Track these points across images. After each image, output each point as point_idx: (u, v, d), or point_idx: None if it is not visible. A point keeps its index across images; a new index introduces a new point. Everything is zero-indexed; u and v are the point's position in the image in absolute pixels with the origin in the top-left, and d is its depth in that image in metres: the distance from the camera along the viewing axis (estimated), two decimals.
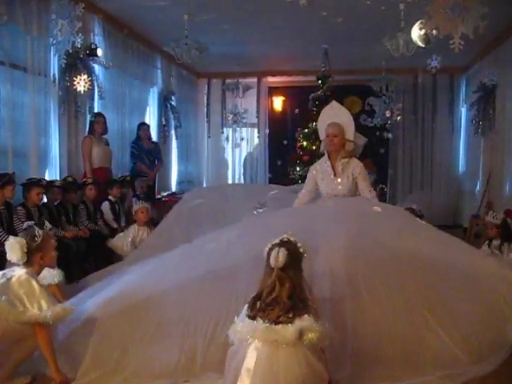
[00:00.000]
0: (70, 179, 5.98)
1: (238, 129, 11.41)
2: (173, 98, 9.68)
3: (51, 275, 3.90)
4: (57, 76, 6.10)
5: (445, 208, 10.35)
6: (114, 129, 7.42)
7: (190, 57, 6.98)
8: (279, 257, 2.51)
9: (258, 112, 11.37)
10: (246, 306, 2.59)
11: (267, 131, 11.37)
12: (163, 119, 9.45)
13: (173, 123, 9.77)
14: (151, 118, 9.16)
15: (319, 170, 4.64)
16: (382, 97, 9.95)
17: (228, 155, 11.96)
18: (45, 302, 2.87)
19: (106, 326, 3.20)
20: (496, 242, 5.39)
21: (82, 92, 6.18)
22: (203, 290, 3.29)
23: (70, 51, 5.86)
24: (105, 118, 6.79)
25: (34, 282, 2.91)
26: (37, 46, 5.68)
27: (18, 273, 2.94)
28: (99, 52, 6.55)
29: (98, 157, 6.67)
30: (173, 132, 9.89)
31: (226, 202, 5.53)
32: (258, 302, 2.55)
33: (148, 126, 8.30)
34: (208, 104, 11.59)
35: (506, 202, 7.19)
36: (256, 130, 11.56)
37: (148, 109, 9.06)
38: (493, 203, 7.88)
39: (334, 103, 4.88)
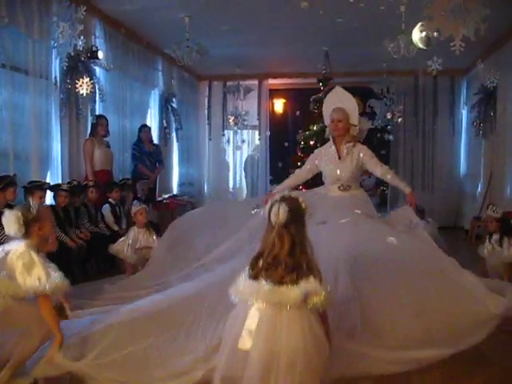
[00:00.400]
0: (75, 183, 6.00)
1: (239, 131, 11.43)
2: (174, 100, 9.69)
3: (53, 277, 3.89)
4: (58, 78, 6.12)
5: (446, 210, 10.35)
6: (115, 131, 7.42)
7: (191, 59, 6.99)
8: (280, 213, 2.42)
9: (259, 114, 11.39)
10: (248, 267, 2.52)
11: (268, 133, 11.37)
12: (164, 121, 9.46)
13: (174, 125, 9.79)
14: (152, 120, 9.17)
15: (323, 154, 4.72)
16: (382, 99, 9.97)
17: (229, 157, 11.97)
18: (43, 274, 2.86)
19: (120, 329, 3.29)
20: (496, 236, 5.39)
21: (85, 95, 6.19)
22: (207, 298, 3.38)
23: (72, 54, 5.87)
24: (107, 120, 6.81)
25: (32, 254, 2.90)
26: (38, 48, 5.69)
27: (16, 246, 2.92)
28: (100, 54, 6.57)
29: (99, 159, 6.68)
30: (174, 134, 9.90)
31: (226, 208, 5.60)
32: (260, 261, 2.47)
33: (149, 129, 8.31)
34: (209, 106, 11.60)
35: (507, 204, 7.18)
36: (257, 132, 11.57)
37: (149, 111, 9.07)
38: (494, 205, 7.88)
39: (337, 88, 4.92)
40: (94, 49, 6.48)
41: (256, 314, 2.39)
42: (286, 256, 2.42)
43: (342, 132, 4.58)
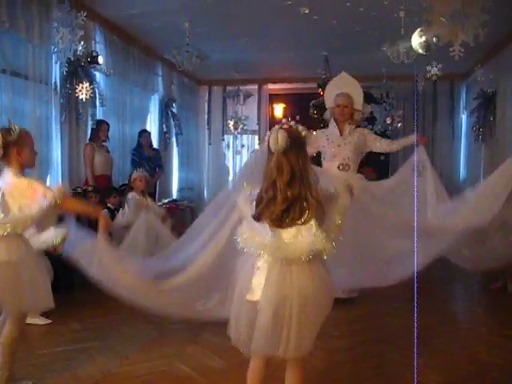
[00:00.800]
0: (79, 190, 6.02)
1: (239, 136, 11.43)
2: (174, 105, 9.70)
3: (52, 235, 3.87)
4: (58, 84, 6.13)
5: None
6: (115, 136, 7.43)
7: (190, 64, 7.00)
8: (278, 139, 2.35)
9: (258, 119, 11.39)
10: (254, 203, 2.43)
11: None
12: (164, 126, 9.47)
13: (174, 130, 9.79)
14: (152, 125, 9.18)
15: (325, 133, 4.84)
16: (382, 104, 9.97)
17: (229, 162, 11.97)
18: (43, 186, 2.90)
19: None
20: None
21: (84, 100, 6.19)
22: None
23: (72, 59, 5.88)
24: (108, 125, 6.82)
25: (22, 179, 2.90)
26: (38, 53, 5.70)
27: (6, 181, 2.90)
28: (100, 59, 6.57)
29: (99, 164, 6.68)
30: (174, 139, 9.91)
31: None
32: (264, 199, 2.38)
33: (149, 133, 8.31)
34: (209, 111, 11.62)
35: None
36: (257, 137, 11.57)
37: (149, 116, 9.08)
38: None
39: (343, 74, 5.04)
40: (94, 54, 6.48)
41: (264, 266, 2.37)
42: (285, 187, 2.34)
43: (347, 117, 4.79)
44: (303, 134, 2.44)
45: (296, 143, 2.40)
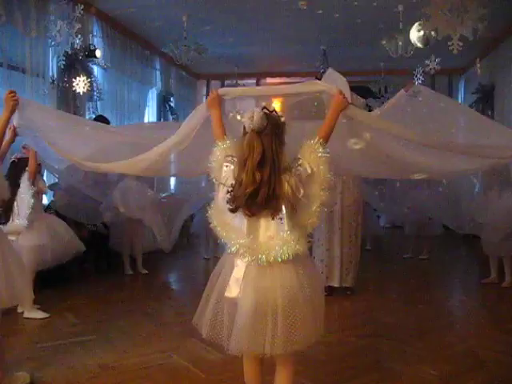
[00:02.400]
0: None
1: None
2: (172, 99, 9.69)
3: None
4: (55, 77, 6.10)
5: (443, 209, 10.32)
6: None
7: (188, 58, 6.99)
8: (254, 116, 2.23)
9: None
10: (226, 192, 2.31)
11: None
12: (162, 120, 9.45)
13: None
14: (150, 118, 9.17)
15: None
16: (380, 98, 9.96)
17: None
18: None
19: None
20: None
21: (81, 93, 6.18)
22: None
23: (69, 52, 5.86)
24: (108, 121, 6.80)
25: None
26: (35, 47, 5.68)
27: None
28: (98, 53, 6.56)
29: None
30: None
31: None
32: (236, 184, 2.26)
33: None
34: None
35: None
36: None
37: (147, 110, 9.07)
38: None
39: (330, 70, 5.00)
40: (91, 47, 6.46)
41: (242, 264, 2.27)
42: (254, 168, 2.20)
43: None
44: (282, 120, 2.33)
45: (273, 127, 2.28)
